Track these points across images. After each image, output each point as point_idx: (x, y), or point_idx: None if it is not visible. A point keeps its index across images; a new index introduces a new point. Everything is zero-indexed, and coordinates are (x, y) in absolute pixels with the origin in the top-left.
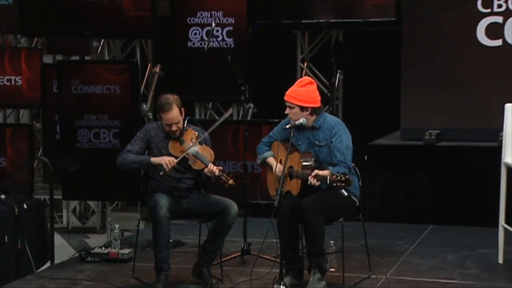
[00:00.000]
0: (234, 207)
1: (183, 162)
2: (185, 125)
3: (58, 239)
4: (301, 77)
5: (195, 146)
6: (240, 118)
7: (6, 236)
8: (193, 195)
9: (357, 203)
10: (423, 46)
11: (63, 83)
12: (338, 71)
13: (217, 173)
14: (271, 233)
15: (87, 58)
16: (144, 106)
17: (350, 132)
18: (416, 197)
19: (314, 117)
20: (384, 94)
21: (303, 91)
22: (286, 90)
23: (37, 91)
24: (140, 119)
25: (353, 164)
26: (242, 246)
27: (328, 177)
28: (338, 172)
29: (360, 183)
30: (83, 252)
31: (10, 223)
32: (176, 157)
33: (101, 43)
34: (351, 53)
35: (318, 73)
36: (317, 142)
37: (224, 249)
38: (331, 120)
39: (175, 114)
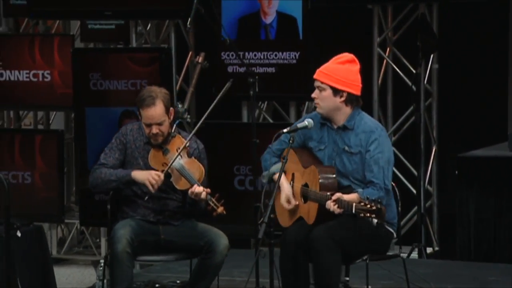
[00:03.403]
0: (222, 240)
1: (166, 179)
2: (172, 130)
3: (91, 274)
4: (379, 68)
5: (180, 159)
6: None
7: None
8: (175, 221)
9: (394, 234)
10: None
11: (79, 78)
12: (431, 57)
13: (203, 195)
14: None
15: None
16: (179, 105)
17: (445, 139)
18: None
19: (348, 111)
20: (494, 91)
21: (341, 70)
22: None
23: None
24: (173, 122)
25: (393, 184)
26: None
27: (354, 205)
28: (368, 199)
29: (399, 208)
30: None
31: None
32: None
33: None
34: (448, 34)
35: (405, 61)
36: (346, 148)
37: None
38: (370, 122)
39: (157, 111)
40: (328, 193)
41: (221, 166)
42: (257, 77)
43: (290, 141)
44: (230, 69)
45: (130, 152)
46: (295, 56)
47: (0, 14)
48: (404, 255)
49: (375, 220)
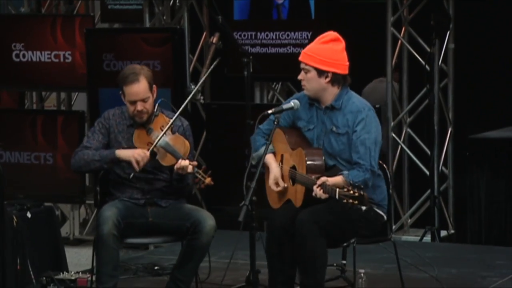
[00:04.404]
0: (208, 222)
1: (151, 158)
2: (155, 109)
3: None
4: (394, 48)
5: (165, 136)
6: None
7: None
8: (162, 202)
9: (385, 218)
10: None
11: (93, 59)
12: (447, 36)
13: (189, 169)
14: None
15: None
16: (193, 86)
17: (461, 121)
18: None
19: (335, 90)
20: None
21: (325, 50)
22: (371, 65)
23: None
24: (186, 104)
25: (380, 162)
26: (248, 274)
27: (338, 191)
28: (350, 185)
29: (391, 190)
30: (44, 279)
31: (6, 237)
32: None
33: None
34: (465, 13)
35: (422, 42)
36: (334, 128)
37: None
38: (358, 101)
39: (141, 87)
40: (314, 177)
41: (232, 147)
42: (251, 57)
43: (275, 123)
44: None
45: (113, 137)
46: (307, 36)
47: None
48: (408, 238)
49: (363, 207)
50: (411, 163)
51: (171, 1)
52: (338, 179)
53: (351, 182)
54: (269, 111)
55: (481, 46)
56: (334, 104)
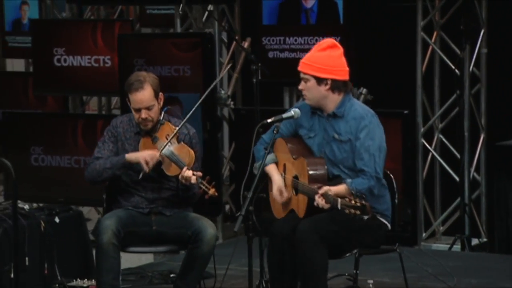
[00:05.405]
0: (209, 231)
1: (157, 167)
2: (161, 117)
3: (147, 258)
4: (424, 53)
5: (170, 145)
6: None
7: (26, 259)
8: (167, 211)
9: (389, 227)
10: None
11: (124, 64)
12: (479, 41)
13: (193, 180)
14: None
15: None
16: (222, 92)
17: (494, 127)
18: None
19: (336, 98)
20: None
21: (322, 57)
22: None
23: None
24: (216, 109)
25: (391, 176)
26: (258, 283)
27: (339, 201)
28: (353, 194)
29: (396, 200)
30: (57, 286)
31: (33, 241)
32: None
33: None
34: (498, 17)
35: (454, 47)
36: (336, 136)
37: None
38: (361, 108)
39: (146, 95)
40: (316, 187)
41: None
42: (260, 64)
43: (274, 132)
44: (271, 54)
45: (120, 145)
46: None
47: None
48: (439, 246)
49: (365, 216)
50: (442, 169)
51: (209, 7)
52: (341, 188)
53: (353, 191)
54: (269, 120)
55: None
56: (336, 111)
